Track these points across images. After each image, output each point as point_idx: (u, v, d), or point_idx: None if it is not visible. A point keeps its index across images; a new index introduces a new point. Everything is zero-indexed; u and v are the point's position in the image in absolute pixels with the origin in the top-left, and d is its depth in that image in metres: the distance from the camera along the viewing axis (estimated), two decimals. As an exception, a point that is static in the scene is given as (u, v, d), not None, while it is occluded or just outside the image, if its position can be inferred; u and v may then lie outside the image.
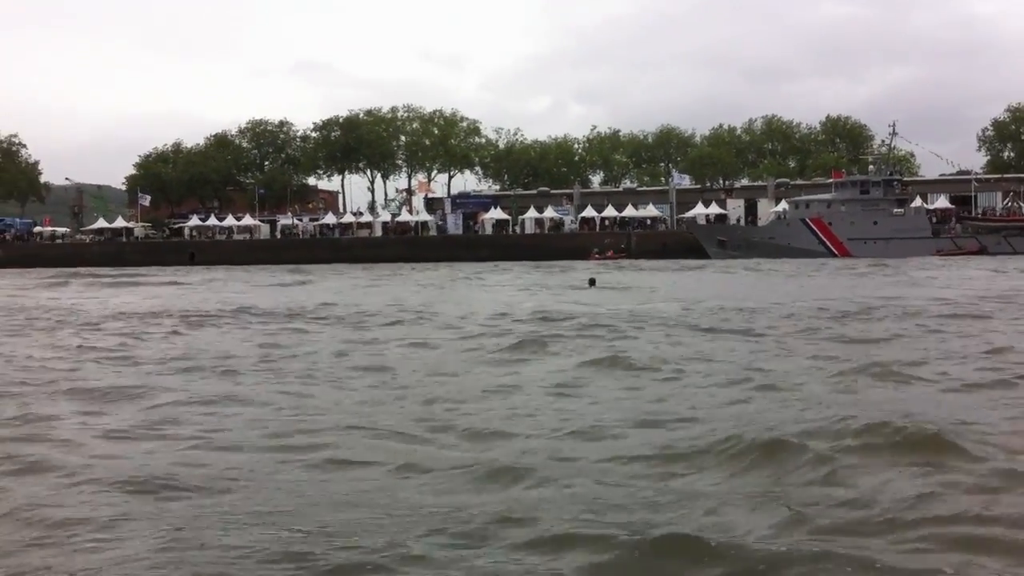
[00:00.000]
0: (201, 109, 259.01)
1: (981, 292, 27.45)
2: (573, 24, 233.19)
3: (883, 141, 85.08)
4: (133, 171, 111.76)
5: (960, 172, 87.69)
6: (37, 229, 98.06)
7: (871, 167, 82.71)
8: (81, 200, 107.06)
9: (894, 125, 79.16)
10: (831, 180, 79.97)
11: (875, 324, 18.25)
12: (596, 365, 12.77)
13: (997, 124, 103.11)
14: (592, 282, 38.65)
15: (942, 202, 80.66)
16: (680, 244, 77.12)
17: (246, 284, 43.55)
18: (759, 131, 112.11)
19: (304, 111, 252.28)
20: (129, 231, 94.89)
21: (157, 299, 32.10)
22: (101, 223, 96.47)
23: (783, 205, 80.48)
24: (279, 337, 17.81)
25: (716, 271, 50.89)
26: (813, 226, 73.70)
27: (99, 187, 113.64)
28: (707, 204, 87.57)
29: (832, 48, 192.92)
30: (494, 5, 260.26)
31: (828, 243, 72.80)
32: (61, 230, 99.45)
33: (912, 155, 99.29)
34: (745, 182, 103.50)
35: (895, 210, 74.33)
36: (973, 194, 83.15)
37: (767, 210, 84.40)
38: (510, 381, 11.58)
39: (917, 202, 77.74)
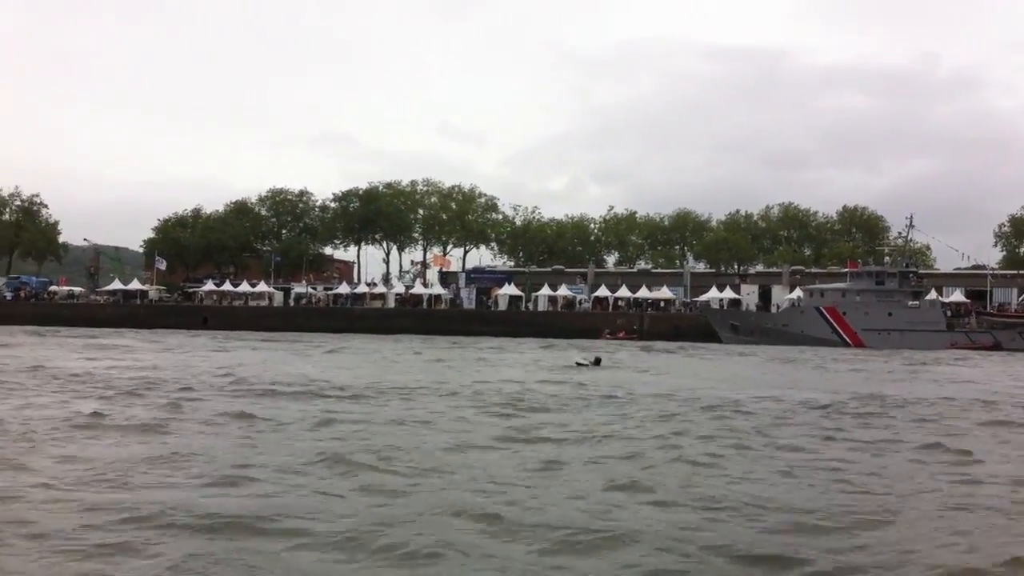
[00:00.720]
0: (223, 176, 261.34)
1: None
2: (593, 105, 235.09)
3: (899, 233, 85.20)
4: (152, 234, 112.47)
5: (975, 266, 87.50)
6: (53, 288, 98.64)
7: (887, 258, 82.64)
8: (98, 261, 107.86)
9: (911, 218, 79.60)
10: (846, 270, 79.90)
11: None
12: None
13: (1014, 220, 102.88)
14: (598, 361, 38.27)
15: (957, 296, 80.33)
16: (693, 328, 76.80)
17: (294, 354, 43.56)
18: (775, 218, 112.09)
19: (324, 181, 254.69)
20: (144, 293, 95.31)
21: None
22: (116, 284, 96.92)
23: (797, 292, 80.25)
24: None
25: (729, 356, 50.29)
26: (827, 315, 73.31)
27: (116, 249, 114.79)
28: (721, 289, 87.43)
29: (851, 138, 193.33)
30: (515, 83, 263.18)
31: (842, 332, 72.32)
32: (77, 290, 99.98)
33: (928, 248, 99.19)
34: (760, 268, 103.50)
35: (910, 302, 74.01)
36: (988, 289, 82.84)
37: (781, 297, 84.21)
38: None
39: (932, 295, 77.41)
